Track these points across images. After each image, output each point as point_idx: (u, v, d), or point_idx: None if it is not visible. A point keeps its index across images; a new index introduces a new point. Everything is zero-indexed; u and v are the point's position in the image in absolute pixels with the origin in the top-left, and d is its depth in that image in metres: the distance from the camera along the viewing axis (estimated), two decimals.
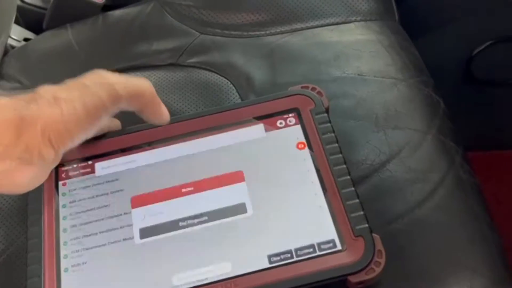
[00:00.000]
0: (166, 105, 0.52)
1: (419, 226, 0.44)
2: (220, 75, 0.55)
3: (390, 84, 0.53)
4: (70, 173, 0.45)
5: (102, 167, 0.45)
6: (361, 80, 0.53)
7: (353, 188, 0.41)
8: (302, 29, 0.58)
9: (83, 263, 0.41)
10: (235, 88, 0.54)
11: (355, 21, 0.59)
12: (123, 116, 0.49)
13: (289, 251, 0.40)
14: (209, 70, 0.56)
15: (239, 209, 0.42)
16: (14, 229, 0.47)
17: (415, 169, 0.47)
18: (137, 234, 0.41)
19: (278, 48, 0.57)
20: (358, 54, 0.55)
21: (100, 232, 0.42)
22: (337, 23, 0.58)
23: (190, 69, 0.56)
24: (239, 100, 0.53)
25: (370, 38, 0.57)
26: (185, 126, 0.47)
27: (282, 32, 0.58)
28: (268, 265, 0.39)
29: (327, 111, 0.46)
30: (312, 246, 0.40)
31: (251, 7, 0.60)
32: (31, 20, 0.65)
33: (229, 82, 0.54)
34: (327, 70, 0.54)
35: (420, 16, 0.80)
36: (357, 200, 0.41)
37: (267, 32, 0.58)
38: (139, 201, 0.43)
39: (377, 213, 0.44)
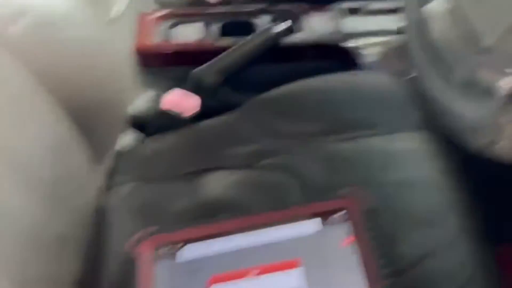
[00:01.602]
0: (241, 202, 0.65)
1: None
2: (285, 175, 0.67)
3: (433, 189, 0.62)
4: (166, 254, 0.57)
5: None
6: (407, 185, 0.63)
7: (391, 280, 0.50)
8: (355, 137, 0.69)
9: None
10: (298, 187, 0.65)
11: (403, 131, 0.69)
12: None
13: None
14: (277, 171, 0.68)
15: None
16: None
17: (448, 265, 0.55)
18: None
19: (335, 153, 0.68)
20: (404, 161, 0.66)
21: None
22: (387, 133, 0.69)
23: (261, 170, 0.68)
24: (301, 197, 0.64)
25: (416, 147, 0.67)
26: (256, 219, 0.58)
27: (338, 140, 0.69)
28: None
29: (372, 212, 0.56)
30: None
31: (314, 119, 0.72)
32: (139, 126, 0.82)
33: (293, 182, 0.66)
34: (377, 175, 0.64)
35: None
36: None
37: (326, 139, 0.70)
38: (216, 279, 0.54)
39: None
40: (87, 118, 0.65)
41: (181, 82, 0.87)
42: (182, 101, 0.77)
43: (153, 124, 0.78)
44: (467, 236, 0.57)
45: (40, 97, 0.60)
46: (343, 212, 0.57)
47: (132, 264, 0.57)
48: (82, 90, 0.63)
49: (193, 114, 0.78)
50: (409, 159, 0.66)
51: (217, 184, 0.69)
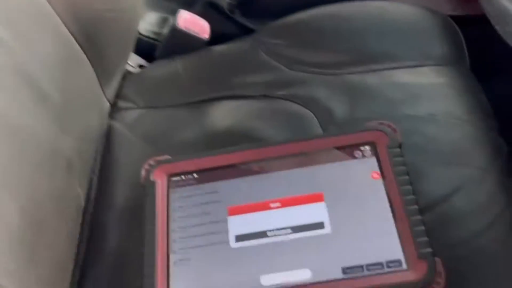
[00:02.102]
0: (257, 132, 0.62)
1: (477, 255, 0.50)
2: (305, 107, 0.63)
3: (458, 125, 0.59)
4: (179, 183, 0.54)
5: (205, 180, 0.54)
6: (431, 120, 0.59)
7: (419, 217, 0.48)
8: (379, 69, 0.65)
9: (187, 259, 0.50)
10: (317, 119, 0.62)
11: (429, 65, 0.65)
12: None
13: (361, 266, 0.47)
14: (295, 102, 0.64)
15: (319, 226, 0.49)
16: (129, 227, 0.57)
17: (476, 203, 0.53)
18: (232, 239, 0.50)
19: (357, 85, 0.64)
20: (430, 95, 0.62)
21: (202, 235, 0.51)
22: (412, 66, 0.65)
23: (278, 101, 0.65)
24: (321, 130, 0.61)
25: (441, 81, 0.63)
26: (275, 150, 0.55)
27: (361, 72, 0.65)
28: (342, 276, 0.47)
29: (400, 146, 0.53)
30: (380, 263, 0.46)
31: (333, 49, 0.68)
32: (144, 49, 0.76)
33: (312, 114, 0.62)
34: (401, 108, 0.61)
35: (492, 59, 0.85)
36: (423, 227, 0.47)
37: (347, 71, 0.66)
38: (234, 211, 0.52)
39: (440, 239, 0.50)
40: (96, 36, 0.60)
41: (188, 6, 0.81)
42: (197, 21, 0.71)
43: (166, 44, 0.72)
44: (494, 173, 0.55)
45: (49, 13, 0.55)
46: (370, 146, 0.54)
47: (143, 191, 0.54)
48: (91, 4, 0.57)
49: (208, 36, 0.73)
50: (434, 93, 0.62)
51: (231, 113, 0.65)
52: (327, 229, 0.49)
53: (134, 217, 0.56)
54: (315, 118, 0.62)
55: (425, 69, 0.65)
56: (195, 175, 0.55)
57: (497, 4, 0.50)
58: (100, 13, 0.59)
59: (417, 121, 0.59)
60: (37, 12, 0.54)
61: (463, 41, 0.69)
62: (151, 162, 0.56)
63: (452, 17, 0.73)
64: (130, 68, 0.74)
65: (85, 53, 0.60)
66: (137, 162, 0.61)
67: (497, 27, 0.53)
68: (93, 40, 0.60)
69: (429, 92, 0.62)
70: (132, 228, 0.56)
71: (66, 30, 0.57)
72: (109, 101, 0.68)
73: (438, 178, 0.55)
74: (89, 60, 0.61)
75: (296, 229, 0.49)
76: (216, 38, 0.76)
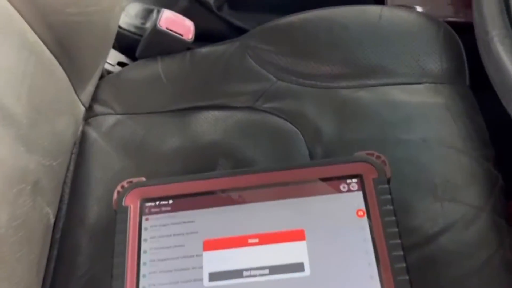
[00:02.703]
0: (240, 150, 0.58)
1: None
2: (292, 124, 0.59)
3: (452, 154, 0.55)
4: (153, 209, 0.51)
5: (181, 207, 0.51)
6: (424, 147, 0.56)
7: (405, 265, 0.45)
8: (374, 85, 0.61)
9: None
10: (304, 139, 0.58)
11: (426, 82, 0.61)
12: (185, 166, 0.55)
13: None
14: (282, 118, 0.60)
15: (298, 267, 0.46)
16: (100, 249, 0.54)
17: (465, 244, 0.50)
18: (206, 277, 0.47)
19: (349, 102, 0.60)
20: (425, 118, 0.58)
21: (174, 270, 0.48)
22: (408, 83, 0.61)
23: (265, 114, 0.61)
24: (307, 151, 0.57)
25: (438, 101, 0.59)
26: (255, 178, 0.52)
27: (354, 86, 0.61)
28: None
29: (388, 181, 0.50)
30: None
31: (327, 59, 0.63)
32: (125, 44, 0.71)
33: (299, 133, 0.59)
34: (392, 131, 0.57)
35: None
36: (407, 277, 0.45)
37: (340, 85, 0.62)
38: (210, 245, 0.49)
39: (424, 284, 0.48)
40: (69, 40, 0.55)
41: (171, 2, 0.75)
42: (181, 22, 0.66)
43: (147, 45, 0.67)
44: (487, 212, 0.52)
45: (14, 18, 0.50)
46: (357, 179, 0.50)
47: (114, 216, 0.51)
48: (63, 7, 0.52)
49: (192, 37, 0.68)
50: (429, 116, 0.58)
51: (214, 126, 0.61)
52: (306, 272, 0.46)
53: (106, 238, 0.53)
54: (301, 136, 0.59)
55: (421, 87, 0.61)
56: (171, 201, 0.51)
57: (506, 76, 0.45)
58: (73, 17, 0.54)
59: (410, 148, 0.56)
60: (3, 12, 0.49)
61: (464, 54, 0.65)
62: (125, 184, 0.53)
63: (453, 23, 0.68)
64: (108, 67, 0.69)
65: (57, 58, 0.56)
66: (112, 177, 0.59)
67: (502, 100, 0.49)
68: (65, 45, 0.56)
69: (424, 113, 0.59)
70: (104, 250, 0.53)
71: (35, 36, 0.52)
72: (84, 105, 0.63)
73: (428, 214, 0.52)
74: (62, 65, 0.57)
75: (274, 270, 0.47)
76: (202, 36, 0.72)
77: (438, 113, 0.59)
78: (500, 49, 0.46)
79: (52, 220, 0.55)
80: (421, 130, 0.57)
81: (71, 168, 0.61)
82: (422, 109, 0.59)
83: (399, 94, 0.60)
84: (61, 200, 0.58)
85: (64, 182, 0.60)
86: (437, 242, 0.50)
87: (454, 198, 0.53)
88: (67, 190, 0.59)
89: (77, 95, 0.61)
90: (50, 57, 0.55)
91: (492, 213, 0.52)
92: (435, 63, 0.62)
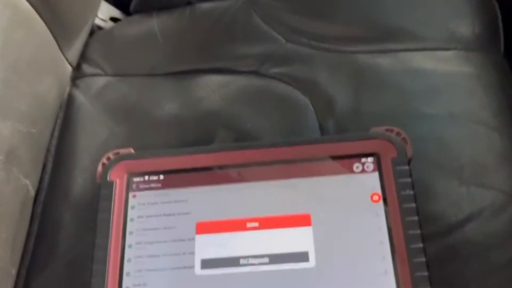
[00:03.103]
0: (242, 119, 0.52)
1: None
2: (301, 92, 0.53)
3: (482, 131, 0.49)
4: (141, 186, 0.46)
5: (173, 184, 0.45)
6: (451, 122, 0.49)
7: (424, 259, 0.39)
8: (395, 50, 0.54)
9: (143, 284, 0.42)
10: (314, 110, 0.52)
11: (455, 49, 0.54)
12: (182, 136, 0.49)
13: None
14: (291, 85, 0.53)
15: (302, 257, 0.41)
16: (85, 226, 0.49)
17: (494, 234, 0.44)
18: (198, 264, 0.42)
19: (367, 69, 0.53)
20: (452, 89, 0.51)
21: (163, 255, 0.43)
22: (435, 49, 0.54)
23: (271, 81, 0.54)
24: (317, 124, 0.51)
25: (468, 71, 0.52)
26: (258, 154, 0.45)
27: (373, 51, 0.54)
28: None
29: (409, 162, 0.44)
30: None
31: (344, 19, 0.56)
32: None
33: (308, 102, 0.52)
34: (415, 103, 0.51)
35: None
36: (426, 274, 0.39)
37: (357, 49, 0.55)
38: (204, 228, 0.43)
39: (445, 279, 0.42)
40: None
41: None
42: None
43: None
44: None
45: None
46: (373, 158, 0.44)
47: (98, 191, 0.46)
48: None
49: None
50: (458, 87, 0.51)
51: (215, 92, 0.55)
52: (311, 263, 0.41)
53: (91, 214, 0.47)
54: (311, 107, 0.52)
55: (449, 53, 0.54)
56: (162, 177, 0.46)
57: None
58: None
59: (434, 123, 0.49)
60: None
61: (499, 18, 0.57)
62: (111, 155, 0.47)
63: None
64: (99, 22, 0.62)
65: (36, 11, 0.49)
66: (99, 146, 0.53)
67: None
68: None
69: (452, 84, 0.52)
70: (88, 227, 0.48)
71: None
72: (71, 64, 0.57)
73: (452, 199, 0.46)
74: (43, 19, 0.50)
75: (274, 259, 0.41)
76: None
77: (468, 84, 0.52)
78: None
79: (32, 192, 0.50)
80: (448, 103, 0.51)
81: (56, 134, 0.55)
82: (449, 79, 0.52)
83: (424, 61, 0.53)
84: (43, 170, 0.53)
85: (48, 150, 0.54)
86: (461, 231, 0.44)
87: (482, 182, 0.46)
88: (50, 159, 0.54)
89: (63, 53, 0.55)
90: (28, 8, 0.48)
91: None
92: (466, 27, 0.55)
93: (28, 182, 0.49)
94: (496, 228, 0.45)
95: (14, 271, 0.47)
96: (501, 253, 0.44)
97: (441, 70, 0.53)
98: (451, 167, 0.47)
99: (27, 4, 0.48)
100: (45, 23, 0.51)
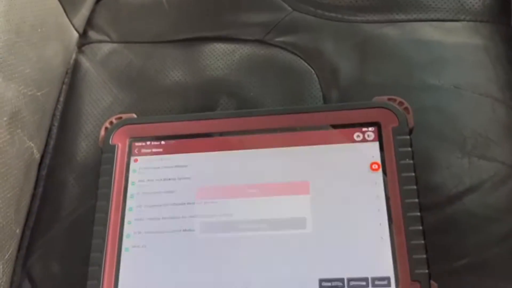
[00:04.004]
0: (245, 88, 0.52)
1: (486, 271, 0.42)
2: (306, 61, 0.53)
3: (487, 104, 0.48)
4: (143, 150, 0.46)
5: (174, 150, 0.46)
6: (456, 94, 0.49)
7: (421, 227, 0.39)
8: (402, 20, 0.53)
9: (143, 246, 0.42)
10: (319, 79, 0.51)
11: (464, 20, 0.53)
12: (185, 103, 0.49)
13: (341, 280, 0.39)
14: (295, 54, 0.53)
15: (299, 223, 0.41)
16: (88, 190, 0.50)
17: (494, 207, 0.44)
18: (198, 228, 0.42)
19: (373, 39, 0.53)
20: (459, 61, 0.51)
21: (163, 218, 0.43)
22: (443, 20, 0.53)
23: (276, 49, 0.54)
24: (321, 94, 0.51)
25: (476, 43, 0.51)
26: (259, 121, 0.46)
27: (380, 21, 0.54)
28: None
29: (410, 132, 0.43)
30: (365, 279, 0.39)
31: None
32: None
33: (313, 72, 0.52)
34: (420, 75, 0.50)
35: None
36: (423, 242, 0.39)
37: (364, 18, 0.54)
38: (205, 193, 0.44)
39: (443, 249, 0.42)
40: None
41: None
42: None
43: None
44: None
45: None
46: (374, 127, 0.44)
47: (100, 155, 0.46)
48: None
49: None
50: (465, 58, 0.51)
51: (219, 60, 0.54)
52: (307, 229, 0.41)
53: (94, 177, 0.48)
54: (316, 76, 0.52)
55: (457, 24, 0.53)
56: (163, 142, 0.46)
57: None
58: None
59: (439, 94, 0.49)
60: None
61: None
62: (113, 120, 0.47)
63: None
64: None
65: None
66: (102, 111, 0.54)
67: None
68: None
69: (459, 56, 0.51)
70: (91, 190, 0.49)
71: None
72: (77, 30, 0.57)
73: (454, 170, 0.45)
74: None
75: (273, 225, 0.42)
76: None
77: (475, 55, 0.51)
78: None
79: (36, 155, 0.51)
80: (454, 74, 0.50)
81: (62, 99, 0.55)
82: (457, 51, 0.51)
83: (431, 32, 0.52)
84: (49, 135, 0.54)
85: (54, 115, 0.55)
86: (460, 202, 0.44)
87: (484, 154, 0.46)
88: (56, 124, 0.54)
89: (69, 19, 0.55)
90: None
91: None
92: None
93: (32, 145, 0.49)
94: (496, 200, 0.44)
95: (18, 231, 0.48)
96: (499, 225, 0.44)
97: (449, 41, 0.52)
98: (453, 138, 0.47)
99: None
100: None
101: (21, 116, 0.47)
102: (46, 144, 0.53)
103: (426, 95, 0.49)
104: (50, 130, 0.54)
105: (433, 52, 0.51)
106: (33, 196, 0.51)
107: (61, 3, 0.53)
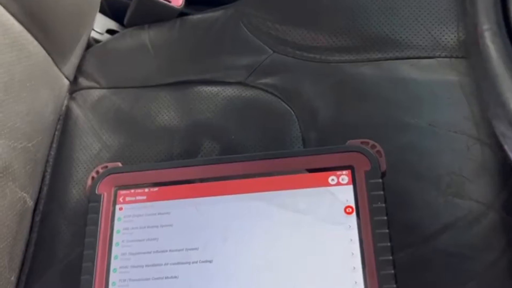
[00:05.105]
0: (227, 131, 0.54)
1: None
2: (286, 103, 0.54)
3: (462, 141, 0.49)
4: (128, 198, 0.48)
5: (157, 197, 0.48)
6: (431, 132, 0.50)
7: (392, 271, 0.41)
8: (379, 59, 0.55)
9: None
10: (298, 121, 0.53)
11: (439, 56, 0.54)
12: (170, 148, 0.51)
13: None
14: (276, 96, 0.55)
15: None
16: (78, 234, 0.52)
17: (469, 245, 0.45)
18: (180, 275, 0.44)
19: (350, 79, 0.54)
20: (435, 98, 0.52)
21: (146, 266, 0.45)
22: (419, 57, 0.54)
23: (257, 91, 0.56)
24: (300, 135, 0.52)
25: (451, 79, 0.53)
26: (237, 167, 0.47)
27: (357, 61, 0.55)
28: None
29: (383, 175, 0.45)
30: None
31: (329, 29, 0.57)
32: (116, 9, 0.66)
33: (292, 113, 0.53)
34: (397, 113, 0.52)
35: None
36: (394, 286, 0.40)
37: (342, 58, 0.55)
38: (186, 239, 0.45)
39: (415, 286, 0.44)
40: (43, 11, 0.51)
41: None
42: None
43: (133, 13, 0.62)
44: (496, 209, 0.46)
45: None
46: (348, 171, 0.45)
47: (87, 204, 0.48)
48: None
49: (182, 3, 0.62)
50: (442, 95, 0.52)
51: (202, 102, 0.56)
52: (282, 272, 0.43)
53: (85, 223, 0.50)
54: (295, 117, 0.53)
55: (433, 61, 0.54)
56: (146, 190, 0.48)
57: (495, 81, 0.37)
58: None
59: (414, 133, 0.50)
60: None
61: None
62: (99, 169, 0.49)
63: None
64: (96, 35, 0.64)
65: (30, 32, 0.52)
66: (92, 158, 0.56)
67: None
68: (40, 17, 0.51)
69: (434, 93, 0.52)
70: (82, 236, 0.50)
71: (3, 10, 0.48)
72: (67, 78, 0.60)
73: (429, 210, 0.47)
74: (37, 39, 0.53)
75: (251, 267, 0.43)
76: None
77: (451, 92, 0.52)
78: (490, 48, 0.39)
79: (30, 203, 0.53)
80: (429, 112, 0.51)
81: (55, 146, 0.58)
82: (432, 88, 0.52)
83: (407, 69, 0.54)
84: (42, 181, 0.56)
85: (47, 161, 0.57)
86: (435, 242, 0.45)
87: (459, 193, 0.47)
88: (49, 170, 0.57)
89: (59, 68, 0.57)
90: (19, 29, 0.50)
91: (501, 210, 0.46)
92: (451, 33, 0.55)
93: (25, 194, 0.52)
94: (469, 239, 0.45)
95: (13, 278, 0.50)
96: (474, 263, 0.45)
97: (424, 79, 0.53)
98: (429, 177, 0.48)
99: (18, 25, 0.50)
100: (38, 42, 0.53)
101: (12, 169, 0.49)
102: (40, 190, 0.55)
103: (402, 134, 0.50)
104: (43, 176, 0.56)
105: (409, 90, 0.53)
106: (28, 241, 0.53)
107: (49, 54, 0.55)
